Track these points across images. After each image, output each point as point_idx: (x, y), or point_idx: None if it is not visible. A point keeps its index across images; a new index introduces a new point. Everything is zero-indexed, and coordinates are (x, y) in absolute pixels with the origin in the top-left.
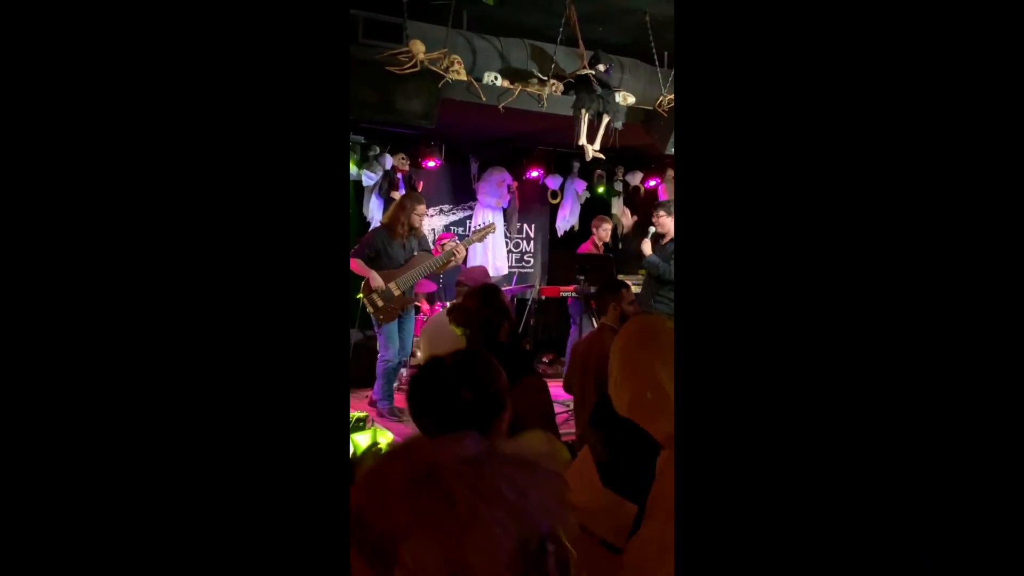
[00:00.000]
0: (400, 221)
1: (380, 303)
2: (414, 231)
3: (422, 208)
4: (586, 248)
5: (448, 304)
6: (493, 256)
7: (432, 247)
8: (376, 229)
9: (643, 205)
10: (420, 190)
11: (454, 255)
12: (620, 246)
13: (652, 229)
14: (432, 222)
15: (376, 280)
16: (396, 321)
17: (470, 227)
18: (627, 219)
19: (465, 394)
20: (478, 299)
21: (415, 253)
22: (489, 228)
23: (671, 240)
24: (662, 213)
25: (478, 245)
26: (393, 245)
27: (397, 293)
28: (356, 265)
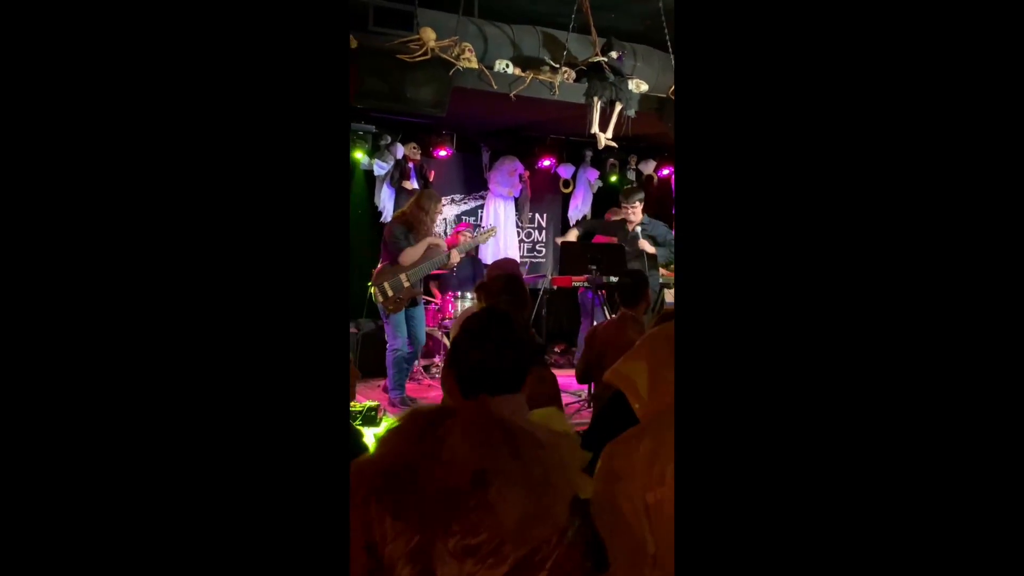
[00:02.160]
0: (424, 222)
1: (390, 293)
2: None
3: (441, 207)
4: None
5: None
6: (504, 246)
7: (446, 236)
8: (394, 225)
9: (656, 194)
10: (431, 179)
11: (454, 256)
12: None
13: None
14: (444, 212)
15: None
16: (403, 312)
17: (481, 216)
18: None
19: (508, 353)
20: (502, 284)
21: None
22: (490, 232)
23: (635, 226)
24: (632, 204)
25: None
26: (416, 244)
27: (407, 285)
28: (407, 255)
